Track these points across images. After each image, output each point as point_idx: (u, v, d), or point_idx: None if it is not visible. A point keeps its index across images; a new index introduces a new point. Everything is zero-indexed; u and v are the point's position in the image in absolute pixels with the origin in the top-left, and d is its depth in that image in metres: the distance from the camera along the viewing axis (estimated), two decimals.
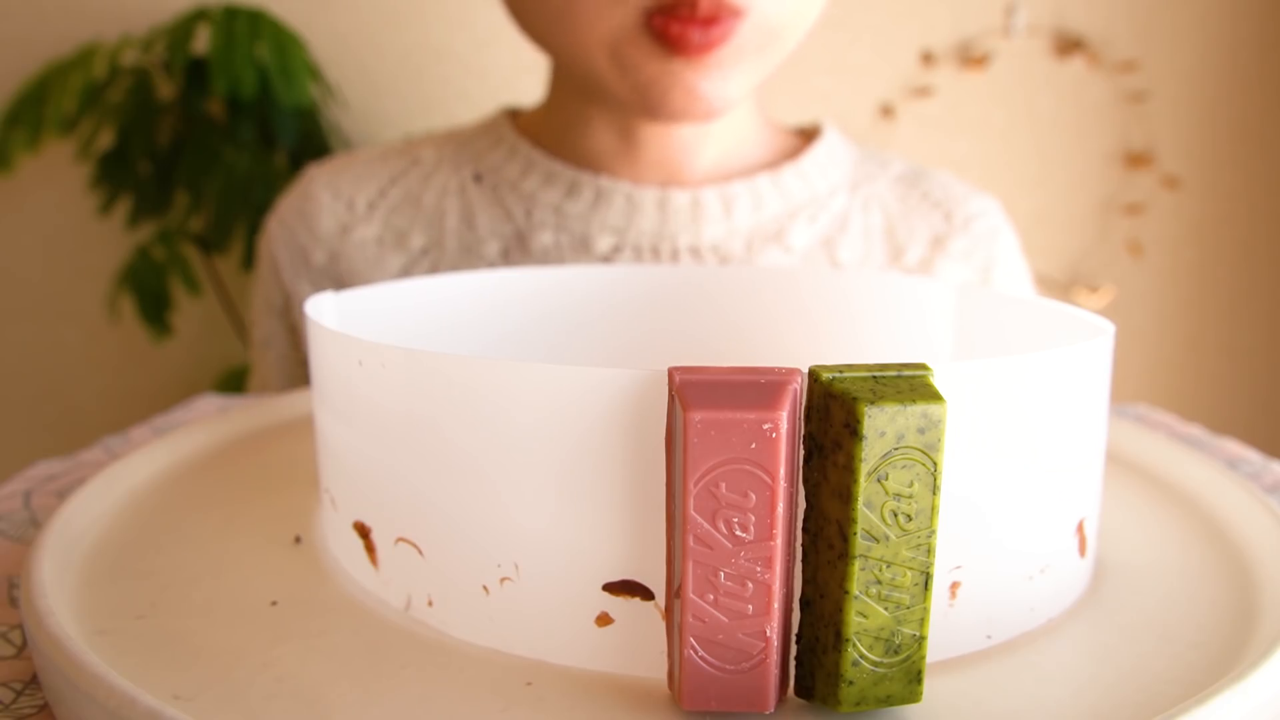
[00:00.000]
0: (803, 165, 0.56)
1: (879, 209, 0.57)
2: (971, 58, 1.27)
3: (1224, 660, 0.21)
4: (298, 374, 0.58)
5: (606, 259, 0.52)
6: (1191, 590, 0.24)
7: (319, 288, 0.56)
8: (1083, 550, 0.23)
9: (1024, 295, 0.30)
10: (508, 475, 0.20)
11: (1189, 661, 0.21)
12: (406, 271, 0.55)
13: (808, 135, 0.59)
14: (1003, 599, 0.21)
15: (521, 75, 1.22)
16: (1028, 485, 0.21)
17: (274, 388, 0.58)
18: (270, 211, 0.59)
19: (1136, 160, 1.31)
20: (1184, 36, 1.29)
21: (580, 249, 0.52)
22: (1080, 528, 0.23)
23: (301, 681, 0.20)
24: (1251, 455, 0.35)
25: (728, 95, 0.46)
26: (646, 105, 0.45)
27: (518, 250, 0.53)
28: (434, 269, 0.54)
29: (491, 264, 0.53)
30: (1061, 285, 1.35)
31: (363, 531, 0.24)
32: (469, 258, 0.53)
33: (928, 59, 1.28)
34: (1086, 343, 0.22)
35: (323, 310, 0.28)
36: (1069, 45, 1.28)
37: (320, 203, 0.56)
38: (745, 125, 0.55)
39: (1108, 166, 1.32)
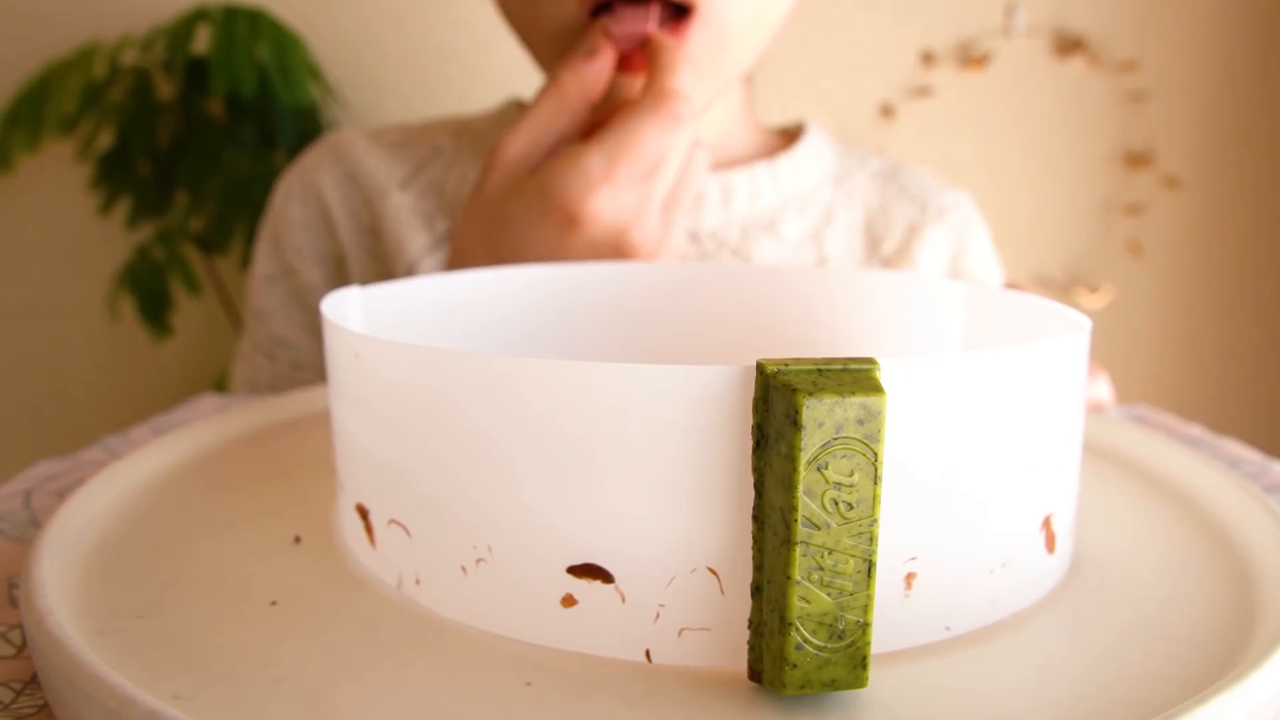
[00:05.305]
0: (795, 157, 0.58)
1: (860, 202, 0.60)
2: (971, 58, 1.27)
3: (1224, 660, 0.21)
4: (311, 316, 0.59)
5: None
6: (1191, 590, 0.24)
7: (363, 240, 0.59)
8: (1050, 546, 0.23)
9: (993, 280, 0.30)
10: (481, 463, 0.21)
11: (1188, 661, 0.21)
12: (430, 251, 0.56)
13: (790, 134, 0.62)
14: (961, 591, 0.22)
15: (523, 74, 1.22)
16: (986, 478, 0.21)
17: (284, 325, 0.59)
18: (299, 166, 0.61)
19: (1136, 160, 1.31)
20: (1184, 36, 1.29)
21: None
22: (1047, 523, 0.23)
23: (301, 681, 0.20)
24: (1252, 455, 0.35)
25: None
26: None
27: None
28: None
29: None
30: (1061, 285, 1.35)
31: (362, 513, 0.24)
32: None
33: (928, 59, 1.28)
34: (1052, 339, 0.22)
35: (346, 303, 0.29)
36: (1069, 45, 1.28)
37: (366, 166, 0.59)
38: (729, 123, 0.57)
39: (1108, 166, 1.32)
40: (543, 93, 0.44)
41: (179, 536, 0.27)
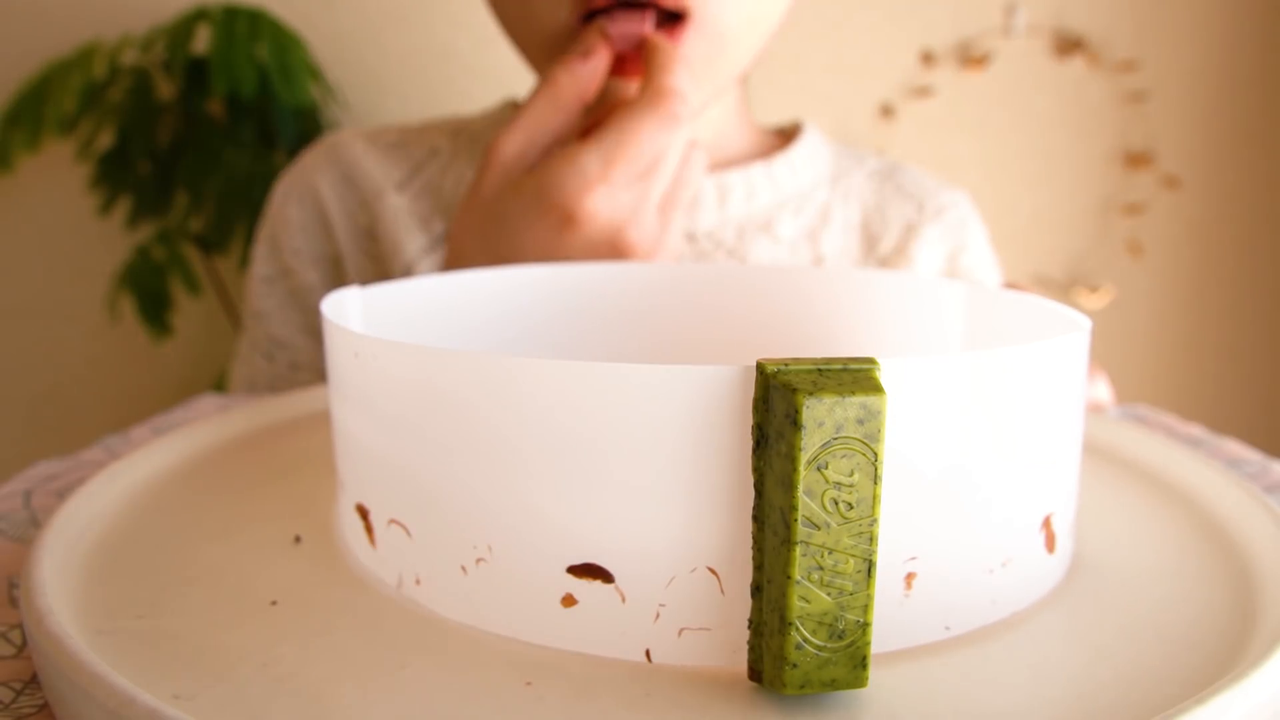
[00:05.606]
0: (792, 157, 0.59)
1: (857, 202, 0.60)
2: (971, 58, 1.27)
3: (1223, 660, 0.21)
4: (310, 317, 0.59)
5: None
6: (1190, 590, 0.24)
7: (360, 241, 0.59)
8: (1050, 545, 0.23)
9: (990, 280, 0.30)
10: (481, 463, 0.21)
11: (1188, 661, 0.21)
12: (427, 252, 0.57)
13: (787, 134, 0.62)
14: (961, 591, 0.22)
15: (523, 75, 1.22)
16: (986, 478, 0.21)
17: (280, 330, 0.59)
18: (297, 167, 0.61)
19: (1136, 160, 1.31)
20: (1184, 36, 1.29)
21: None
22: (1047, 523, 0.23)
23: (301, 681, 0.20)
24: (1252, 455, 0.35)
25: None
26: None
27: None
28: None
29: None
30: (1061, 285, 1.35)
31: (362, 513, 0.24)
32: None
33: (928, 59, 1.28)
34: (1052, 339, 0.22)
35: (346, 303, 0.30)
36: (1069, 45, 1.28)
37: (364, 167, 0.59)
38: (725, 124, 0.57)
39: (1108, 166, 1.32)
40: (537, 92, 0.44)
41: (179, 536, 0.27)
